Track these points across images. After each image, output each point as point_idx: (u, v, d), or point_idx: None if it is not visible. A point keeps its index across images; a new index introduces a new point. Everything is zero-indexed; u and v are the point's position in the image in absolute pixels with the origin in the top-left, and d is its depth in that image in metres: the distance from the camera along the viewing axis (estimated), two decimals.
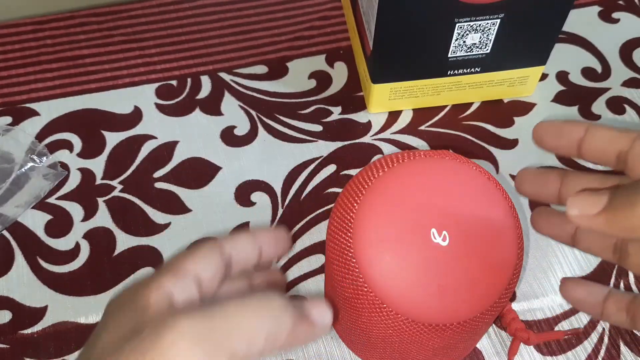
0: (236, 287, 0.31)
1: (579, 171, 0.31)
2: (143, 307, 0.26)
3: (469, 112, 0.50)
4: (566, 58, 0.52)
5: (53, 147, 0.47)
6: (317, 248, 0.43)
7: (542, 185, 0.32)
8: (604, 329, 0.41)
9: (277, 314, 0.27)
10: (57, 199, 0.45)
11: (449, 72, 0.46)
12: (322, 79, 0.51)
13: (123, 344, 0.24)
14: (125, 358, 0.24)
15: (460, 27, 0.42)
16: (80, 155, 0.47)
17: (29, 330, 0.40)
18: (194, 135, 0.48)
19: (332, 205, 0.44)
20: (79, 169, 0.46)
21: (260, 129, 0.48)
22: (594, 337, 0.40)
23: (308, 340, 0.28)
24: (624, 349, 0.40)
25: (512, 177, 0.46)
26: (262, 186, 0.46)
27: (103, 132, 0.48)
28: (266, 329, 0.26)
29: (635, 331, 0.40)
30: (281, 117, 0.49)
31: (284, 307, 0.27)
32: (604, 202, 0.27)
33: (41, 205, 0.45)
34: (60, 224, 0.44)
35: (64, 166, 0.46)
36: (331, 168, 0.47)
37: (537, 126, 0.31)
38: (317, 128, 0.49)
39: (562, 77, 0.52)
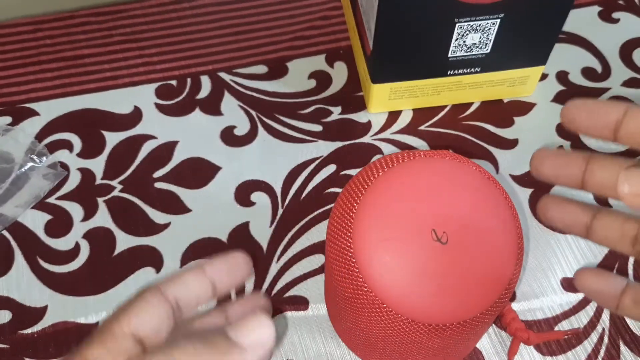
0: (212, 322, 0.30)
1: (606, 154, 0.28)
2: None
3: (469, 112, 0.50)
4: (566, 58, 0.52)
5: (53, 147, 0.47)
6: (317, 248, 0.43)
7: (564, 167, 0.29)
8: (603, 329, 0.41)
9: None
10: (57, 199, 0.45)
11: (449, 72, 0.46)
12: (322, 79, 0.51)
13: None
14: None
15: (460, 27, 0.42)
16: (80, 155, 0.47)
17: (28, 330, 0.40)
18: (194, 135, 0.48)
19: (332, 205, 0.44)
20: (78, 169, 0.46)
21: (260, 129, 0.48)
22: (594, 337, 0.40)
23: None
24: (623, 349, 0.40)
25: (512, 177, 0.46)
26: (262, 186, 0.46)
27: (103, 132, 0.48)
28: None
29: (635, 332, 0.40)
30: (281, 117, 0.49)
31: (225, 351, 0.25)
32: None
33: (41, 205, 0.45)
34: (60, 224, 0.44)
35: (64, 166, 0.46)
36: (331, 168, 0.47)
37: (569, 105, 0.28)
38: (317, 128, 0.48)
39: (562, 77, 0.52)
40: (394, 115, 0.49)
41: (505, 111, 0.50)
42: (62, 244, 0.43)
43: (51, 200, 0.45)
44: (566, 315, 0.41)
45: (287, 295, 0.41)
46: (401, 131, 0.48)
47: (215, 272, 0.29)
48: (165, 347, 0.25)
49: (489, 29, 0.43)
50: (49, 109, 0.49)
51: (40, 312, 0.41)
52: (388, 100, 0.48)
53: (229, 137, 0.48)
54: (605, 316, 0.41)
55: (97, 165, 0.46)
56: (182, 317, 0.28)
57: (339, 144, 0.48)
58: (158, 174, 0.46)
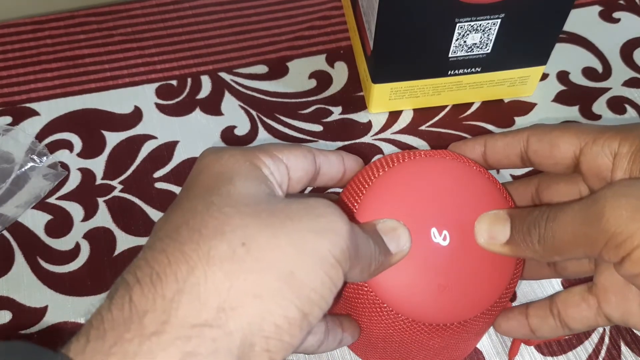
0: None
1: (498, 134, 0.34)
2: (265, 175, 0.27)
3: (469, 112, 0.50)
4: (567, 58, 0.52)
5: (53, 147, 0.47)
6: None
7: (468, 152, 0.34)
8: (604, 329, 0.41)
9: (376, 251, 0.28)
10: (57, 199, 0.45)
11: (449, 72, 0.46)
12: (323, 79, 0.51)
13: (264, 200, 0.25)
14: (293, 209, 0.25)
15: (461, 27, 0.42)
16: (80, 155, 0.47)
17: (29, 331, 0.40)
18: (194, 135, 0.48)
19: None
20: (79, 169, 0.46)
21: (261, 129, 0.48)
22: (595, 337, 0.40)
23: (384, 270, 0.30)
24: (624, 349, 0.40)
25: (513, 177, 0.46)
26: None
27: (103, 132, 0.48)
28: (367, 262, 0.28)
29: (636, 332, 0.40)
30: (281, 117, 0.49)
31: (381, 248, 0.29)
32: (507, 235, 0.30)
33: (41, 205, 0.45)
34: (60, 224, 0.44)
35: (64, 166, 0.46)
36: None
37: (450, 147, 0.34)
38: (318, 128, 0.48)
39: (562, 77, 0.52)
40: (394, 115, 0.49)
41: (506, 111, 0.50)
42: (62, 244, 0.43)
43: (51, 200, 0.45)
44: None
45: None
46: (402, 131, 0.48)
47: (349, 164, 0.32)
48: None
49: (490, 29, 0.43)
50: (49, 109, 0.49)
51: (40, 313, 0.41)
52: (388, 100, 0.48)
53: (229, 137, 0.48)
54: None
55: (97, 165, 0.46)
56: (313, 184, 0.31)
57: (339, 144, 0.48)
58: (158, 174, 0.46)
